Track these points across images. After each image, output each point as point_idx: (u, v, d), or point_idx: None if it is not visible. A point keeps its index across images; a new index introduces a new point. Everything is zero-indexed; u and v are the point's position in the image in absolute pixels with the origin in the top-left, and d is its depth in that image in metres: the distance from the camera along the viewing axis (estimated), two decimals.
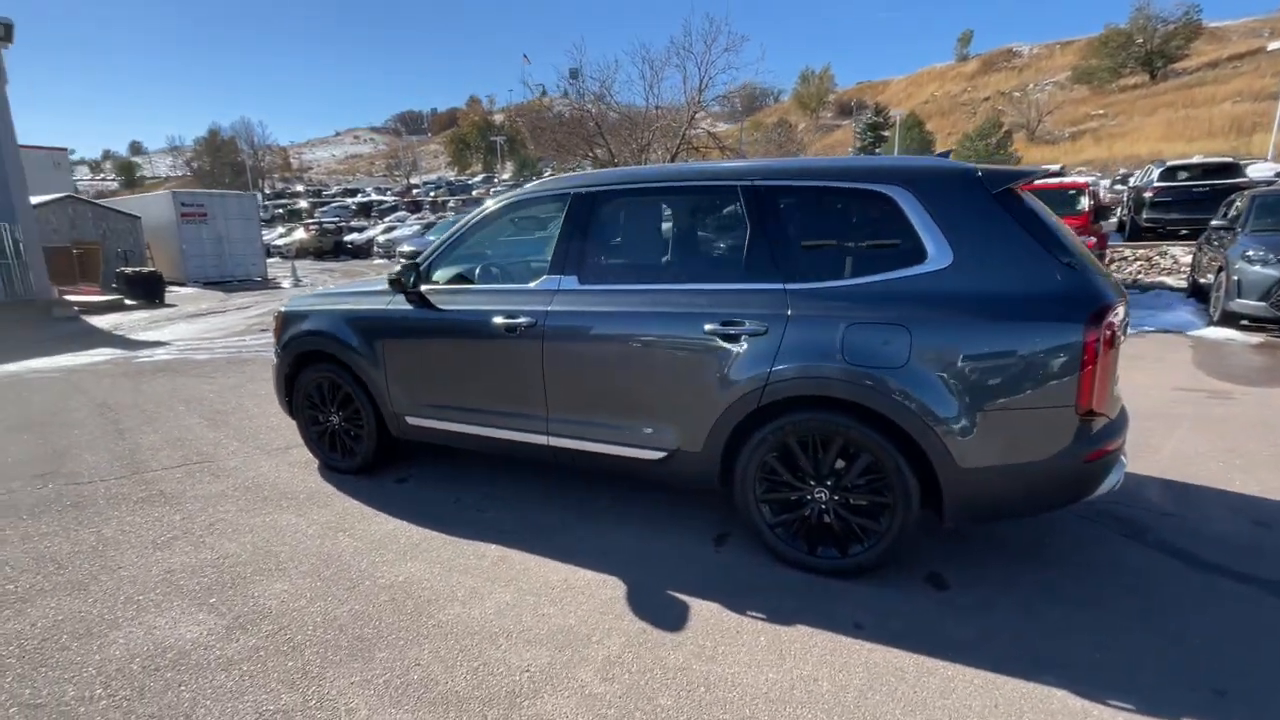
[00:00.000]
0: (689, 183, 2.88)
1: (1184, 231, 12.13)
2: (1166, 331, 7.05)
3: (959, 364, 2.22)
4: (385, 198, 47.92)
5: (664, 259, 2.98)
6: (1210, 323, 7.10)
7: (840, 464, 2.47)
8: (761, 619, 2.33)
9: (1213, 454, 3.67)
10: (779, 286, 2.48)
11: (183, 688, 2.06)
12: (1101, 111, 47.90)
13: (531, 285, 3.01)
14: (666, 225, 3.04)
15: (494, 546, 2.90)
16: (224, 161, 78.04)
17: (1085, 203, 8.52)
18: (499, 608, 2.45)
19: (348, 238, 26.97)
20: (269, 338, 4.96)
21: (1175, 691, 1.92)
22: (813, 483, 2.52)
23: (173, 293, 15.37)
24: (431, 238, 18.94)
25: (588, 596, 2.51)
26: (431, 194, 49.46)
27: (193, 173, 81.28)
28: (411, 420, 3.41)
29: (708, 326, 2.55)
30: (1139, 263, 11.23)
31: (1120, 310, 2.24)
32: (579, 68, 20.46)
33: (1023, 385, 2.18)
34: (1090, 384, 2.15)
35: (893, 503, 2.38)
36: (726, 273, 2.67)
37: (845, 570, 2.53)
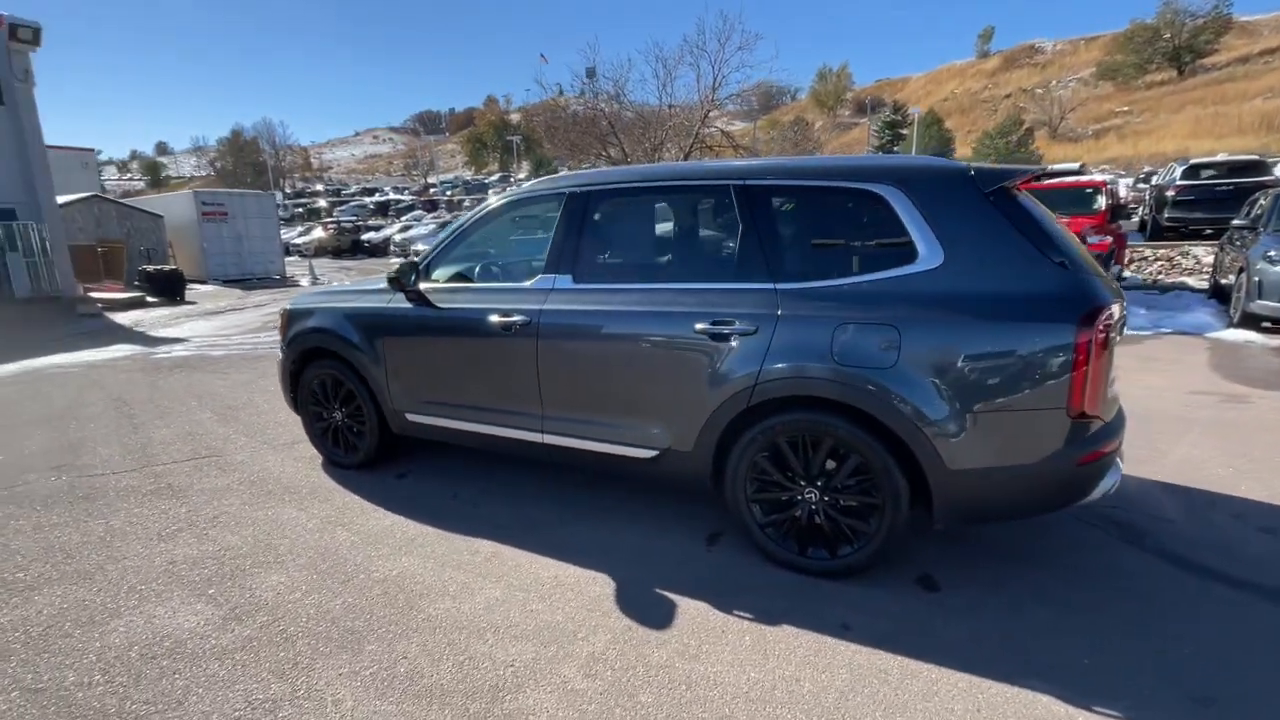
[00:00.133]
0: (682, 182, 2.88)
1: (1208, 231, 11.87)
2: (1184, 333, 6.90)
3: (949, 365, 2.19)
4: (402, 197, 48.40)
5: (657, 258, 2.99)
6: (1230, 324, 6.93)
7: (830, 465, 2.46)
8: (748, 618, 2.33)
9: (1222, 459, 3.59)
10: (769, 286, 2.48)
11: (177, 676, 2.11)
12: (1126, 108, 46.94)
13: (527, 284, 3.03)
14: (660, 224, 3.05)
15: (487, 542, 2.93)
16: (246, 161, 79.39)
17: (1102, 202, 8.36)
18: (488, 603, 2.47)
19: (365, 236, 27.28)
20: None
21: (1163, 699, 1.89)
22: (803, 483, 2.51)
23: (193, 290, 15.68)
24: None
25: (576, 593, 2.52)
26: (448, 193, 49.88)
27: (216, 172, 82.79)
28: (411, 417, 3.46)
29: (698, 326, 2.55)
30: (1159, 263, 11.00)
31: (1114, 311, 2.21)
32: (594, 67, 20.51)
33: (1013, 386, 2.15)
34: (1082, 386, 2.12)
35: (882, 504, 2.37)
36: (718, 272, 2.67)
37: (835, 571, 2.52)
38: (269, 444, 4.36)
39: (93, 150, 33.25)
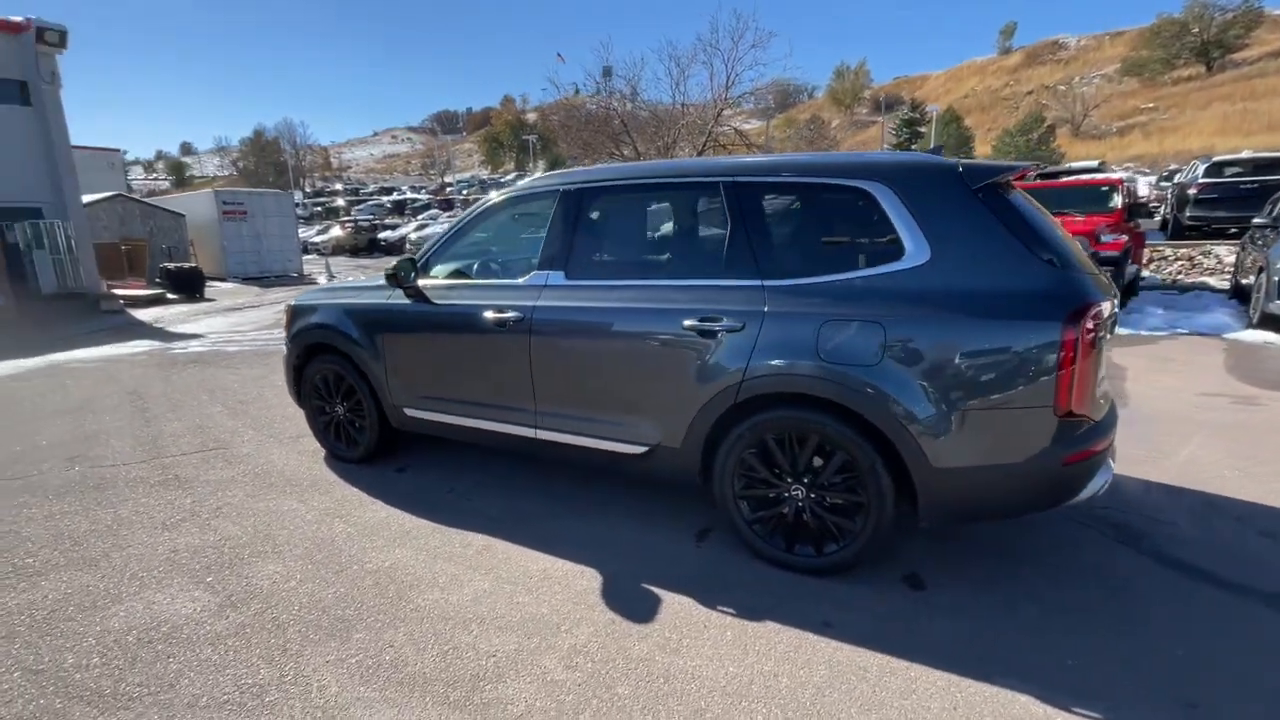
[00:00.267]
0: (673, 179, 2.89)
1: (1232, 230, 11.58)
2: (1201, 334, 6.75)
3: (933, 362, 2.18)
4: (419, 196, 48.87)
5: (648, 255, 3.00)
6: (1249, 325, 6.77)
7: (818, 462, 2.46)
8: (731, 614, 2.34)
9: (1228, 461, 3.52)
10: (757, 283, 2.48)
11: (171, 659, 2.17)
12: (1152, 105, 45.95)
13: (520, 281, 3.06)
14: (651, 221, 3.06)
15: (479, 535, 2.97)
16: (267, 161, 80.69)
17: (1118, 200, 8.20)
18: (476, 594, 2.51)
19: (381, 235, 27.60)
20: None
21: (1146, 701, 1.87)
22: (790, 480, 2.51)
23: (213, 287, 15.99)
24: None
25: (563, 586, 2.55)
26: (464, 192, 50.25)
27: (238, 172, 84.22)
28: (409, 412, 3.51)
29: (687, 322, 2.56)
30: (1180, 262, 10.76)
31: (1104, 309, 2.18)
32: (611, 66, 20.56)
33: (999, 385, 2.14)
34: (1069, 384, 2.09)
35: (867, 502, 2.36)
36: (707, 268, 2.68)
37: (821, 568, 2.51)
38: (275, 437, 4.45)
39: (119, 150, 34.02)
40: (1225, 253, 10.38)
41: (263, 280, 18.43)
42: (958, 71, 77.12)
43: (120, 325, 10.74)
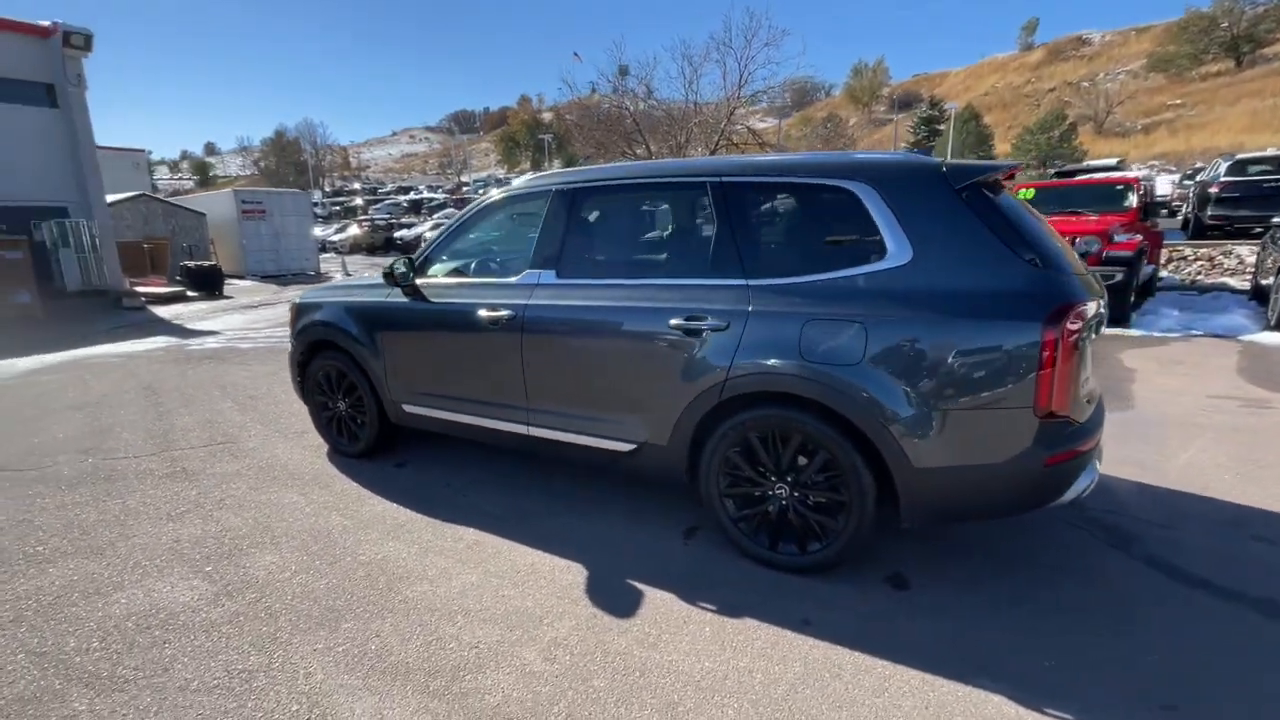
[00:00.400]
0: (663, 179, 2.91)
1: (1256, 230, 11.31)
2: (1216, 336, 6.62)
3: (914, 362, 2.19)
4: (436, 195, 49.29)
5: (637, 254, 3.03)
6: (1267, 327, 6.63)
7: (802, 461, 2.47)
8: (712, 610, 2.36)
9: (1230, 465, 3.47)
10: (742, 282, 2.50)
11: (166, 645, 2.25)
12: (1179, 101, 44.94)
13: (513, 280, 3.11)
14: (641, 221, 3.09)
15: (472, 530, 3.02)
16: (288, 161, 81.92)
17: (1133, 199, 8.05)
18: (463, 587, 2.56)
19: (398, 234, 27.89)
20: None
21: (1121, 704, 1.86)
22: (774, 479, 2.53)
23: (232, 285, 16.30)
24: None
25: (549, 581, 2.59)
26: (480, 191, 50.58)
27: (260, 171, 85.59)
28: (408, 408, 3.57)
29: (673, 321, 2.58)
30: (1200, 262, 10.54)
31: (1087, 310, 2.16)
32: (627, 66, 20.60)
33: (979, 385, 2.13)
34: (1049, 385, 2.09)
35: (849, 501, 2.37)
36: (694, 268, 2.70)
37: (804, 567, 2.53)
38: (281, 432, 4.55)
39: (144, 151, 34.76)
40: (1247, 253, 10.15)
41: (280, 278, 18.73)
42: (978, 69, 75.95)
43: (141, 322, 11.00)
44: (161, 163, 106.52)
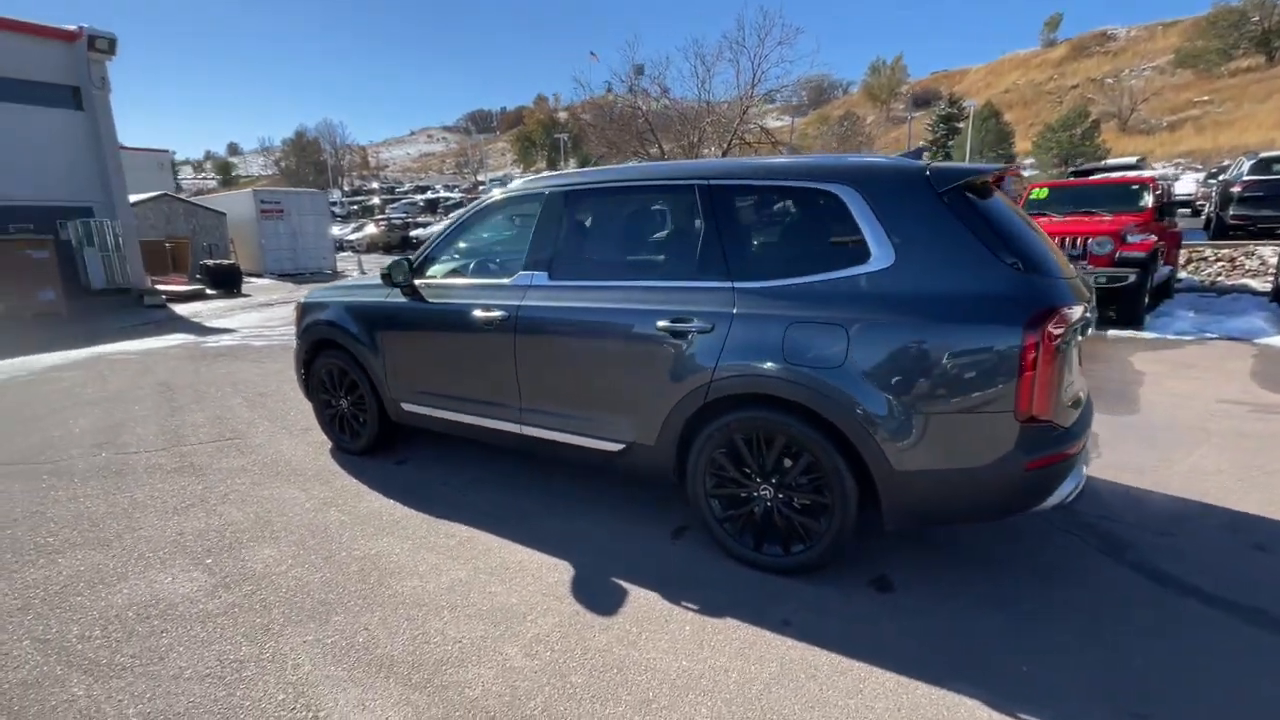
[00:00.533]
0: (652, 181, 2.93)
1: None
2: (1232, 339, 6.48)
3: (895, 365, 2.19)
4: (451, 195, 49.68)
5: (626, 256, 3.05)
6: None
7: (786, 463, 2.48)
8: (694, 610, 2.38)
9: (1234, 471, 3.41)
10: (727, 285, 2.52)
11: (164, 634, 2.32)
12: (1206, 98, 43.90)
13: (507, 281, 3.15)
14: (630, 223, 3.11)
15: (464, 527, 3.07)
16: (308, 161, 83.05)
17: (1148, 199, 7.90)
18: (452, 583, 2.61)
19: (413, 233, 28.18)
20: None
21: (1095, 710, 1.86)
22: (758, 480, 2.54)
23: (250, 283, 16.60)
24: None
25: (536, 579, 2.63)
26: (485, 192, 50.74)
27: (280, 171, 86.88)
28: (406, 406, 3.63)
29: (660, 323, 2.61)
30: (1220, 264, 10.31)
31: (1071, 314, 2.15)
32: (643, 65, 20.63)
33: (960, 389, 2.13)
34: (1029, 389, 2.08)
35: (832, 503, 2.38)
36: (682, 270, 2.72)
37: (788, 568, 2.54)
38: (287, 429, 4.64)
39: (168, 151, 35.53)
40: (1270, 253, 9.91)
41: (298, 277, 19.04)
42: (998, 65, 74.73)
43: (161, 320, 11.25)
44: (186, 163, 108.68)
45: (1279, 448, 3.70)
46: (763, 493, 2.54)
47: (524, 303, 3.02)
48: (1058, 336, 2.09)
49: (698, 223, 2.65)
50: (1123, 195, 8.13)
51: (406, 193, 59.31)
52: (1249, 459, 3.56)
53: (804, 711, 1.88)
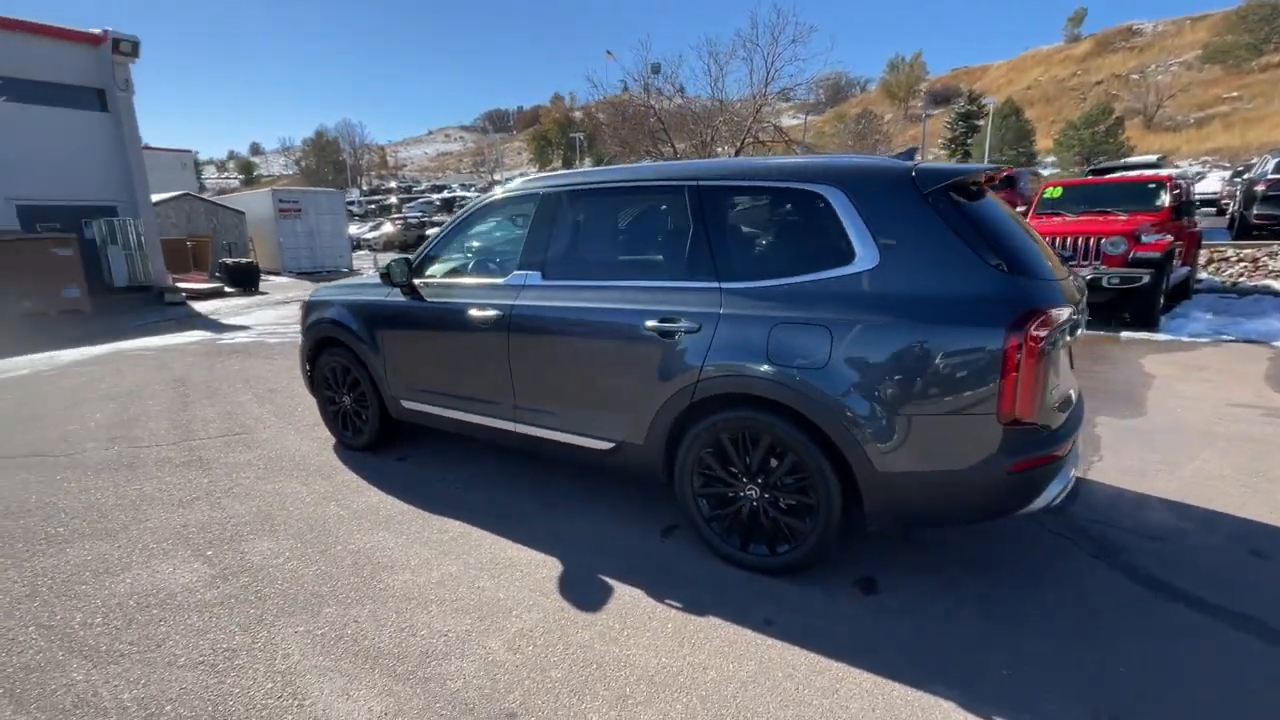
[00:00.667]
0: (643, 182, 2.95)
1: None
2: (1250, 341, 6.34)
3: (877, 366, 2.19)
4: (468, 194, 50.05)
5: (617, 256, 3.07)
6: None
7: (772, 463, 2.49)
8: (677, 608, 2.40)
9: (1238, 476, 3.35)
10: (714, 285, 2.53)
11: (162, 623, 2.40)
12: (1236, 94, 42.84)
13: (502, 281, 3.19)
14: (621, 224, 3.13)
15: (459, 523, 3.12)
16: (327, 160, 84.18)
17: (1165, 198, 7.75)
18: (442, 578, 2.65)
19: (429, 231, 28.47)
20: None
21: (1072, 717, 1.84)
22: (745, 480, 2.56)
23: (268, 281, 16.89)
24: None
25: (525, 575, 2.67)
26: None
27: (300, 171, 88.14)
28: (406, 404, 3.69)
29: (649, 323, 2.63)
30: (1243, 264, 10.09)
31: (1057, 315, 2.13)
32: (659, 63, 20.65)
33: (941, 390, 2.13)
34: (1012, 391, 2.07)
35: (816, 504, 2.38)
36: (671, 270, 2.73)
37: (773, 568, 2.55)
38: (294, 425, 4.74)
39: (191, 151, 36.24)
40: None
41: (315, 275, 19.33)
42: (1020, 62, 73.55)
43: (180, 316, 11.50)
44: (209, 162, 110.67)
45: None
46: (749, 492, 2.56)
47: (518, 302, 3.06)
48: (1042, 339, 2.08)
49: (687, 223, 2.66)
50: (1139, 194, 7.98)
51: (423, 192, 59.88)
52: (1254, 464, 3.49)
53: (778, 710, 1.90)
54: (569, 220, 3.06)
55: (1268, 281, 9.27)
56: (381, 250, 26.57)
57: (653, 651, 2.17)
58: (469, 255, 3.68)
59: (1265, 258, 10.05)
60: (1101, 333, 6.85)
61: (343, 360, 3.99)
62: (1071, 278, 2.49)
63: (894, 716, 1.86)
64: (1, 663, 2.20)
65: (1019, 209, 11.89)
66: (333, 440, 4.31)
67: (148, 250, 14.20)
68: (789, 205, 2.55)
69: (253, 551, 2.91)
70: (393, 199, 50.53)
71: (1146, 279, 6.67)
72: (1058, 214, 8.29)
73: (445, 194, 51.53)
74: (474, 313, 3.18)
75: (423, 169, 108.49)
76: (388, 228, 29.88)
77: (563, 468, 3.69)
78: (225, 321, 10.65)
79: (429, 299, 3.45)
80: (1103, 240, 6.94)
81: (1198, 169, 28.97)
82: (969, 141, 44.53)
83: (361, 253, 25.63)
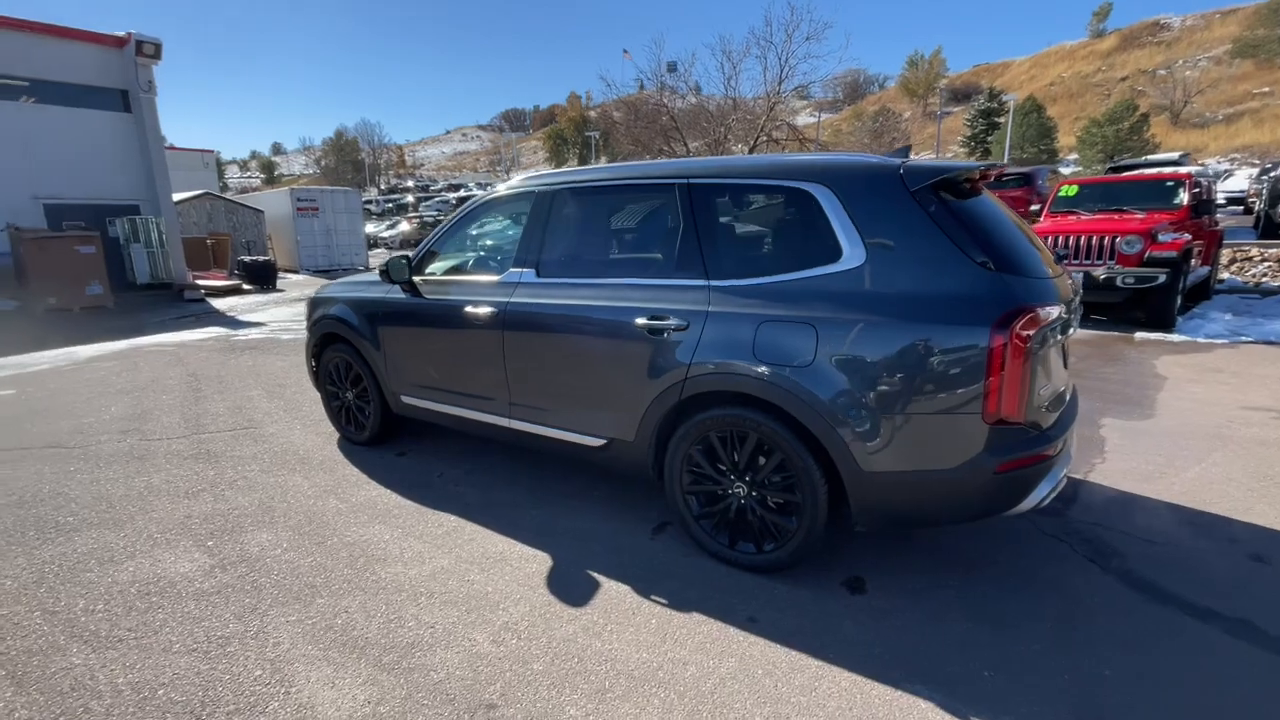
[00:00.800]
0: (635, 180, 2.96)
1: None
2: (1269, 342, 6.19)
3: (862, 365, 2.18)
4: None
5: (609, 254, 3.09)
6: None
7: (761, 462, 2.49)
8: (662, 604, 2.41)
9: (1243, 480, 3.28)
10: (703, 283, 2.54)
11: (160, 610, 2.46)
12: (1267, 89, 41.71)
13: (497, 278, 3.22)
14: (614, 222, 3.14)
15: (453, 517, 3.16)
16: (347, 160, 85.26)
17: (1184, 196, 7.58)
18: (433, 571, 2.69)
19: None
20: None
21: (1049, 717, 1.83)
22: (733, 478, 2.56)
23: (285, 279, 17.15)
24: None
25: (514, 569, 2.69)
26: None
27: (320, 170, 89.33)
28: (405, 399, 3.75)
29: (639, 321, 2.64)
30: (1267, 264, 9.84)
31: (1046, 314, 2.11)
32: (674, 62, 20.64)
33: (926, 389, 2.11)
34: (998, 390, 2.05)
35: (803, 502, 2.38)
36: (662, 268, 2.74)
37: (759, 566, 2.55)
38: (300, 419, 4.82)
39: (213, 151, 36.92)
40: None
41: (331, 272, 19.58)
42: (1043, 57, 72.19)
43: (198, 313, 11.73)
44: (233, 162, 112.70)
45: None
46: (737, 491, 2.56)
47: (512, 299, 3.09)
48: (1028, 337, 2.05)
49: (678, 221, 2.67)
50: (1156, 192, 7.82)
51: (440, 190, 60.34)
52: (1263, 468, 3.41)
53: (754, 706, 1.90)
54: (562, 218, 3.08)
55: None
56: (398, 248, 26.86)
57: (635, 647, 2.18)
58: (467, 253, 3.72)
59: None
60: (1115, 333, 6.74)
61: (345, 356, 4.05)
62: (1065, 275, 2.46)
63: (871, 715, 1.86)
64: (7, 646, 2.27)
65: (1034, 207, 11.70)
66: (337, 435, 4.38)
67: (169, 248, 14.49)
68: (779, 204, 2.55)
69: (252, 542, 2.97)
70: (409, 198, 50.98)
71: (1162, 278, 6.54)
72: (1072, 212, 8.15)
73: (461, 193, 51.83)
74: (470, 310, 3.21)
75: (440, 168, 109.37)
76: (404, 226, 30.18)
77: (559, 465, 3.71)
78: (241, 318, 10.84)
79: (427, 296, 3.50)
80: (1118, 239, 6.81)
81: (1225, 166, 28.27)
82: (989, 139, 43.88)
83: (378, 251, 25.92)
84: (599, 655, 2.14)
